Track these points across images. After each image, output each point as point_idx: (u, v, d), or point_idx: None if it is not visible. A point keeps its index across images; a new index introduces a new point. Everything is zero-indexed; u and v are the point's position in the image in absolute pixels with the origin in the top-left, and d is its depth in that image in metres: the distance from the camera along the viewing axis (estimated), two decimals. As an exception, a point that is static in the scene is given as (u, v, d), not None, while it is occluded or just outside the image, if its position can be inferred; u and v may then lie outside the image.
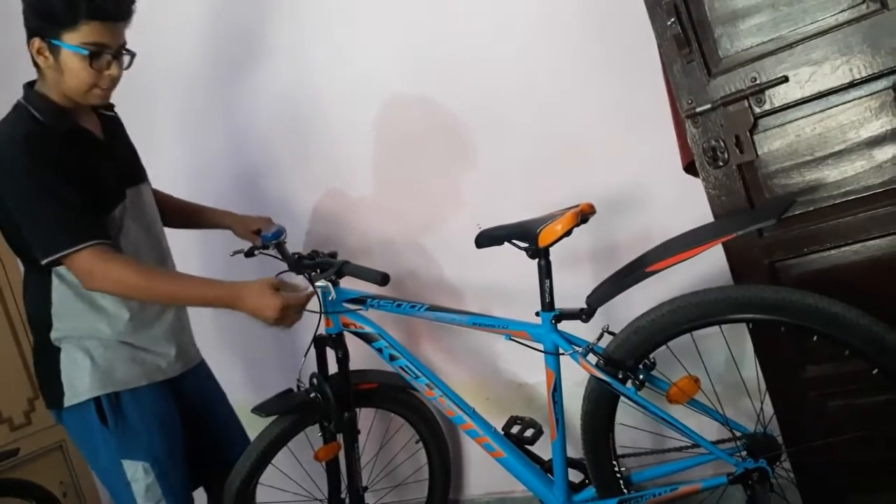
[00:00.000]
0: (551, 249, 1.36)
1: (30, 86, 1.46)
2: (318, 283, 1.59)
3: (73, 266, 1.38)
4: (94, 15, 1.34)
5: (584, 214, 1.35)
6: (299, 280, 1.59)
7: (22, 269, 1.53)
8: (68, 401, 1.46)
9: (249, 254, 1.74)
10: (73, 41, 1.35)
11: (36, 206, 1.35)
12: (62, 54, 1.37)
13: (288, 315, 1.38)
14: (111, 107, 1.58)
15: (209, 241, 2.01)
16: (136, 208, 1.53)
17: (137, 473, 1.46)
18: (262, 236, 1.70)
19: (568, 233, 1.33)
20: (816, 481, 1.36)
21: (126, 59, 1.45)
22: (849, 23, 1.22)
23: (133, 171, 1.57)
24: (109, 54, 1.39)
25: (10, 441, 2.59)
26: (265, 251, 1.71)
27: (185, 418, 1.58)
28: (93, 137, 1.48)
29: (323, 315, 1.61)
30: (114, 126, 1.56)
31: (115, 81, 1.44)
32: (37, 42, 1.38)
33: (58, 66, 1.38)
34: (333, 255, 1.69)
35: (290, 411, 1.58)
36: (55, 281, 1.47)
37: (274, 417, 1.57)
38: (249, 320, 2.05)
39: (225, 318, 1.93)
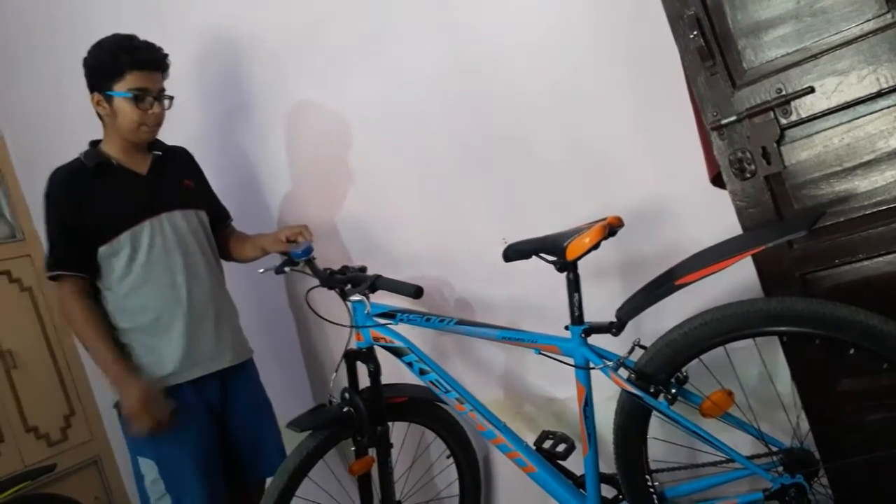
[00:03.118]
0: (579, 263, 1.37)
1: (93, 143, 1.80)
2: (352, 298, 1.62)
3: (58, 290, 1.72)
4: (136, 66, 1.69)
5: (611, 227, 1.35)
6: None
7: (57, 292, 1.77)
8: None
9: (279, 271, 1.76)
10: (122, 89, 1.70)
11: (46, 229, 1.73)
12: (114, 101, 1.71)
13: (140, 417, 1.62)
14: (162, 148, 1.84)
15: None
16: (163, 232, 1.76)
17: (145, 468, 1.71)
18: (292, 254, 1.73)
19: (596, 246, 1.33)
20: (855, 497, 1.34)
21: (167, 102, 1.78)
22: (874, 32, 1.22)
23: (176, 199, 1.81)
24: (151, 97, 1.72)
25: (47, 457, 2.64)
26: (296, 268, 1.74)
27: (216, 422, 1.78)
28: (124, 170, 1.77)
29: (353, 329, 1.64)
30: (163, 164, 1.83)
31: (157, 119, 1.76)
32: (96, 96, 1.73)
33: (112, 112, 1.72)
34: (363, 269, 1.71)
35: (324, 426, 1.60)
36: (102, 297, 1.76)
37: (308, 432, 1.58)
38: (279, 340, 2.10)
39: (261, 338, 1.98)
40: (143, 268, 1.72)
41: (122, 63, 1.68)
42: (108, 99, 1.70)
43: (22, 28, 2.69)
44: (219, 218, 1.98)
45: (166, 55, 1.76)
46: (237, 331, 1.88)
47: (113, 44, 1.71)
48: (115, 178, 1.74)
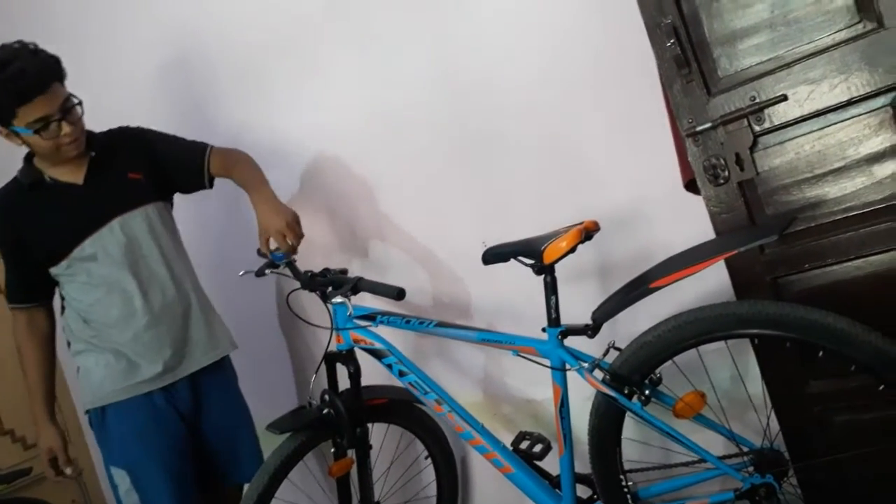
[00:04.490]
0: (556, 266, 1.38)
1: (28, 157, 1.68)
2: (334, 300, 1.62)
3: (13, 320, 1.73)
4: (22, 100, 1.50)
5: (588, 231, 1.37)
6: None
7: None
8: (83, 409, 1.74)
9: (260, 273, 1.76)
10: (20, 125, 1.54)
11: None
12: (21, 136, 1.57)
13: (47, 464, 1.71)
14: (98, 145, 1.70)
15: (225, 255, 2.05)
16: (114, 241, 1.67)
17: (118, 478, 1.68)
18: (272, 255, 1.72)
19: (572, 249, 1.34)
20: (824, 497, 1.36)
21: (78, 109, 1.60)
22: (846, 42, 1.25)
23: (122, 201, 1.70)
24: (55, 120, 1.55)
25: (23, 460, 2.62)
26: (276, 270, 1.74)
27: (188, 427, 1.74)
28: (59, 184, 1.66)
29: (333, 332, 1.64)
30: (101, 164, 1.70)
31: (72, 135, 1.59)
32: (3, 131, 1.58)
33: (27, 143, 1.60)
34: (344, 272, 1.72)
35: (303, 428, 1.60)
36: (66, 304, 1.74)
37: (288, 434, 1.59)
38: (261, 341, 2.08)
39: (243, 339, 1.97)
40: (101, 279, 1.66)
41: (6, 102, 1.50)
42: (15, 134, 1.57)
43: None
44: (193, 161, 1.78)
45: (49, 60, 1.56)
46: (211, 327, 1.80)
47: None
48: (50, 195, 1.65)
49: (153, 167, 1.76)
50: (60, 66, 1.59)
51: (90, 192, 1.67)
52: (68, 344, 1.76)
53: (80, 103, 1.61)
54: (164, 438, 1.68)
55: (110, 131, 1.77)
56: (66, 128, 1.57)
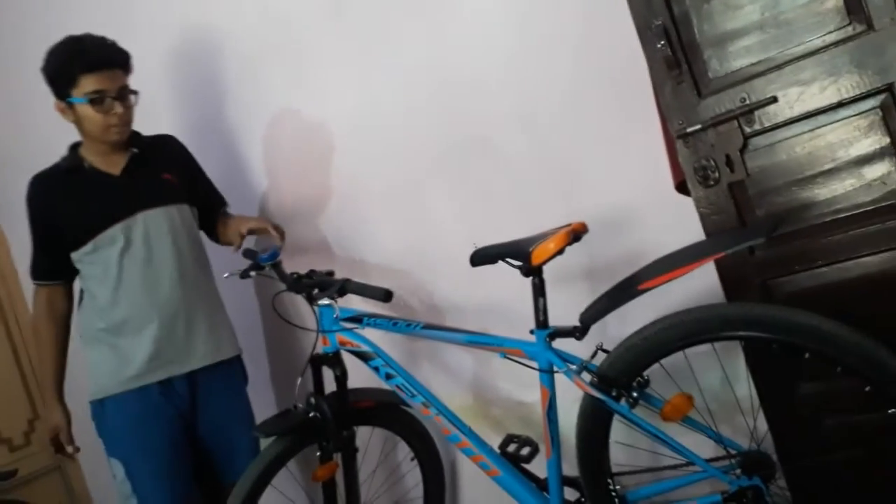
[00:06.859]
0: (545, 268, 1.37)
1: (73, 146, 1.79)
2: (320, 302, 1.61)
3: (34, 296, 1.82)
4: (87, 69, 1.64)
5: (576, 233, 1.36)
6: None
7: (30, 289, 1.86)
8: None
9: (245, 275, 1.74)
10: (78, 94, 1.66)
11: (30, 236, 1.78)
12: (76, 107, 1.68)
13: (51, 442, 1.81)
14: (141, 144, 1.81)
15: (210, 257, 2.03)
16: (137, 232, 1.74)
17: (114, 468, 1.74)
18: (259, 258, 1.72)
19: (560, 251, 1.34)
20: (812, 499, 1.36)
21: (132, 98, 1.73)
22: (836, 44, 1.24)
23: (151, 196, 1.78)
24: (110, 97, 1.67)
25: (9, 462, 2.60)
26: (262, 273, 1.72)
27: (185, 424, 1.78)
28: (97, 172, 1.75)
29: (319, 334, 1.63)
30: (140, 161, 1.79)
31: (122, 118, 1.71)
32: (59, 104, 1.70)
33: (77, 118, 1.70)
34: (330, 273, 1.70)
35: (289, 431, 1.59)
36: (83, 297, 1.81)
37: (273, 438, 1.57)
38: (245, 344, 2.07)
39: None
40: (117, 269, 1.72)
41: (73, 68, 1.64)
42: (70, 106, 1.69)
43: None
44: (212, 205, 1.97)
45: (121, 51, 1.71)
46: (217, 329, 1.84)
47: (63, 50, 1.67)
48: (87, 180, 1.73)
49: (186, 176, 1.88)
50: (128, 58, 1.72)
51: (124, 183, 1.76)
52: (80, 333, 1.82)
53: (136, 94, 1.74)
54: (158, 431, 1.72)
55: (157, 135, 1.89)
56: (118, 107, 1.68)
